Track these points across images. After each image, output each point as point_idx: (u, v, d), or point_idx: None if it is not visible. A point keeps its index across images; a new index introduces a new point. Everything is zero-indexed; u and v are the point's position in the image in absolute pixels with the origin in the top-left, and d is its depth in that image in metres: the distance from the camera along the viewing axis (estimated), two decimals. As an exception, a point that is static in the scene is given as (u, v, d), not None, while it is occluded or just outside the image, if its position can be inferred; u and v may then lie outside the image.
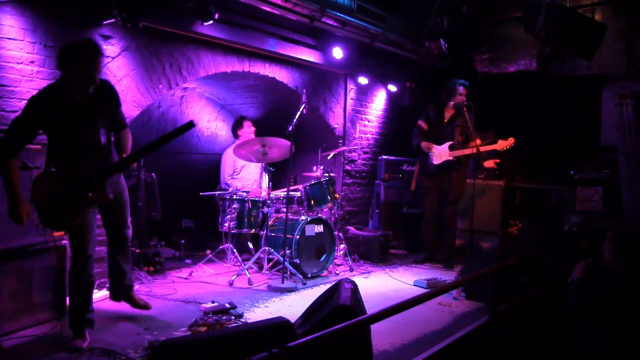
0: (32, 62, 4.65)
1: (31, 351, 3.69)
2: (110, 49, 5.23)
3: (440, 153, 6.90)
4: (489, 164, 7.30)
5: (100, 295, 4.88)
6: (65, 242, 4.31)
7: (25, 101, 4.24)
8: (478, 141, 6.63)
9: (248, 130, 7.09)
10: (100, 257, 5.20)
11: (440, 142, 6.93)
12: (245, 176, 7.14)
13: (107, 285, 4.48)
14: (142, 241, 5.89)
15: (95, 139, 3.78)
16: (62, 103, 3.66)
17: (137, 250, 5.73)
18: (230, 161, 7.02)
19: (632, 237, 3.57)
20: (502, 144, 6.66)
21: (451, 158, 6.84)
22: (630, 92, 6.79)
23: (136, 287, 5.14)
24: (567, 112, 8.08)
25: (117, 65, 5.30)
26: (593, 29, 6.36)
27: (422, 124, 7.13)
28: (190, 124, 3.74)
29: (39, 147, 4.08)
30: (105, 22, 5.08)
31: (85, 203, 3.70)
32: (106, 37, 5.18)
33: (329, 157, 7.20)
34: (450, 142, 6.86)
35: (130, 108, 5.41)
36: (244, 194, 6.37)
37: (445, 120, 7.02)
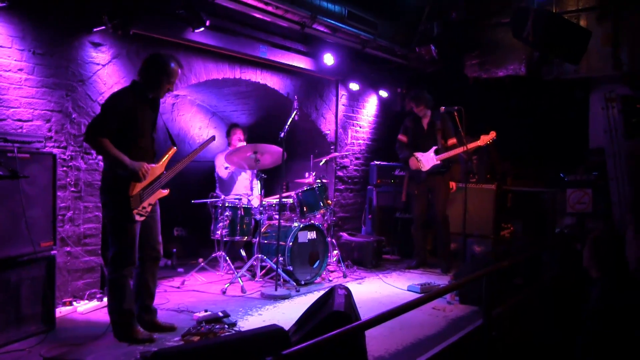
0: (20, 69, 4.59)
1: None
2: (101, 56, 5.18)
3: (428, 159, 6.94)
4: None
5: (90, 306, 4.81)
6: (54, 252, 4.23)
7: (14, 109, 4.20)
8: (469, 145, 6.64)
9: (235, 138, 7.05)
10: (90, 267, 5.14)
11: (425, 149, 6.97)
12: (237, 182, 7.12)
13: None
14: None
15: (153, 140, 4.22)
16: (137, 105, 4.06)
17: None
18: (220, 164, 6.99)
19: (606, 243, 3.46)
20: (484, 139, 6.74)
21: (438, 162, 6.88)
22: (617, 95, 6.82)
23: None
24: (556, 115, 8.10)
25: (107, 72, 5.24)
26: (579, 35, 6.41)
27: (401, 137, 7.23)
28: (212, 139, 4.60)
29: (28, 155, 4.00)
30: (95, 29, 5.05)
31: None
32: (96, 45, 5.13)
33: (321, 164, 7.17)
34: (435, 147, 6.91)
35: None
36: (237, 201, 6.31)
37: (425, 128, 7.05)
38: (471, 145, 6.71)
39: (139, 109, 4.03)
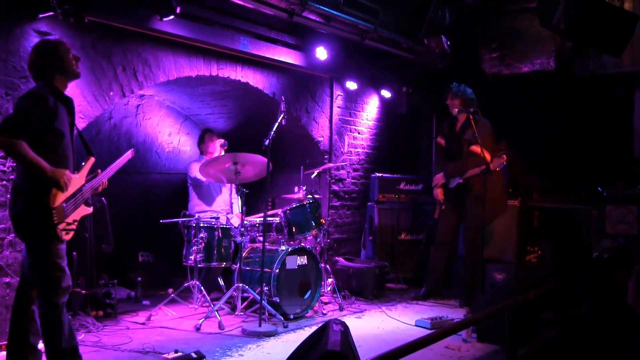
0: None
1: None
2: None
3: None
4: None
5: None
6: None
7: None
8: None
9: (212, 146, 7.04)
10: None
11: (454, 158, 7.07)
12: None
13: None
14: (90, 280, 5.80)
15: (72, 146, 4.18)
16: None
17: (84, 292, 5.63)
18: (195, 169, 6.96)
19: None
20: (496, 163, 6.61)
21: (461, 180, 6.95)
22: None
23: (81, 336, 5.07)
24: (593, 118, 8.09)
25: (58, 68, 5.23)
26: (622, 20, 6.36)
27: (439, 140, 7.34)
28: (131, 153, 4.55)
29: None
30: (41, 15, 5.00)
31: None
32: (43, 34, 5.09)
33: (312, 176, 7.16)
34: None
35: (76, 119, 5.33)
36: (213, 220, 6.30)
37: (457, 131, 7.12)
38: (474, 172, 6.71)
39: (58, 109, 4.00)
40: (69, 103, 4.15)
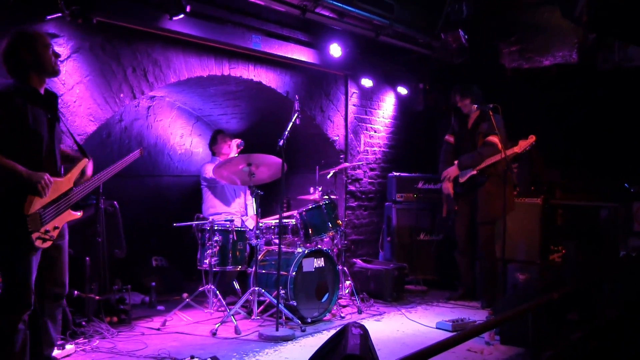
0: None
1: None
2: (58, 50, 5.14)
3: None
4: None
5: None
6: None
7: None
8: (508, 152, 6.62)
9: (225, 147, 7.04)
10: None
11: (464, 153, 7.05)
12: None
13: None
14: (103, 285, 5.80)
15: (54, 149, 4.01)
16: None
17: (97, 297, 5.63)
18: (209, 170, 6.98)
19: None
20: (522, 145, 6.74)
21: (474, 172, 6.91)
22: None
23: (96, 342, 5.08)
24: (617, 112, 8.02)
25: (67, 70, 5.26)
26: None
27: (448, 138, 7.36)
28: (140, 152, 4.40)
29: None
30: (49, 17, 5.03)
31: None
32: (52, 36, 5.13)
33: (328, 176, 7.16)
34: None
35: (85, 123, 5.37)
36: (227, 223, 6.30)
37: (469, 128, 7.08)
38: (507, 153, 6.69)
39: (28, 109, 3.83)
40: (47, 101, 3.98)
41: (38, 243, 3.77)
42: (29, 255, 3.77)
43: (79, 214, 4.14)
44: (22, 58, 3.84)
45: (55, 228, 3.91)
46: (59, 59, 4.06)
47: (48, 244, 3.84)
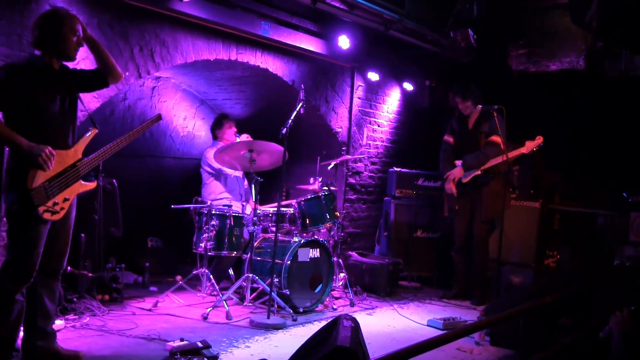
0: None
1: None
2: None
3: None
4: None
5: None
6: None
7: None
8: (515, 152, 6.67)
9: (230, 132, 7.03)
10: None
11: (466, 154, 7.05)
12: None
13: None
14: (97, 263, 5.81)
15: (65, 123, 4.08)
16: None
17: (90, 275, 5.65)
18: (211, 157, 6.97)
19: None
20: (529, 145, 6.76)
21: (479, 172, 6.92)
22: None
23: (86, 319, 5.11)
24: (621, 120, 8.01)
25: (74, 46, 5.24)
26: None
27: (447, 138, 7.36)
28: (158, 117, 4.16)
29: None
30: None
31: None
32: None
33: (329, 167, 7.17)
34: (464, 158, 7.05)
35: (89, 99, 5.36)
36: (225, 208, 6.30)
37: (470, 128, 7.09)
38: (512, 154, 6.71)
39: (39, 81, 3.87)
40: (60, 74, 4.02)
41: (47, 216, 3.79)
42: (37, 228, 3.81)
43: (91, 184, 4.17)
44: (45, 34, 3.90)
45: (66, 200, 3.93)
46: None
47: (58, 216, 3.88)
